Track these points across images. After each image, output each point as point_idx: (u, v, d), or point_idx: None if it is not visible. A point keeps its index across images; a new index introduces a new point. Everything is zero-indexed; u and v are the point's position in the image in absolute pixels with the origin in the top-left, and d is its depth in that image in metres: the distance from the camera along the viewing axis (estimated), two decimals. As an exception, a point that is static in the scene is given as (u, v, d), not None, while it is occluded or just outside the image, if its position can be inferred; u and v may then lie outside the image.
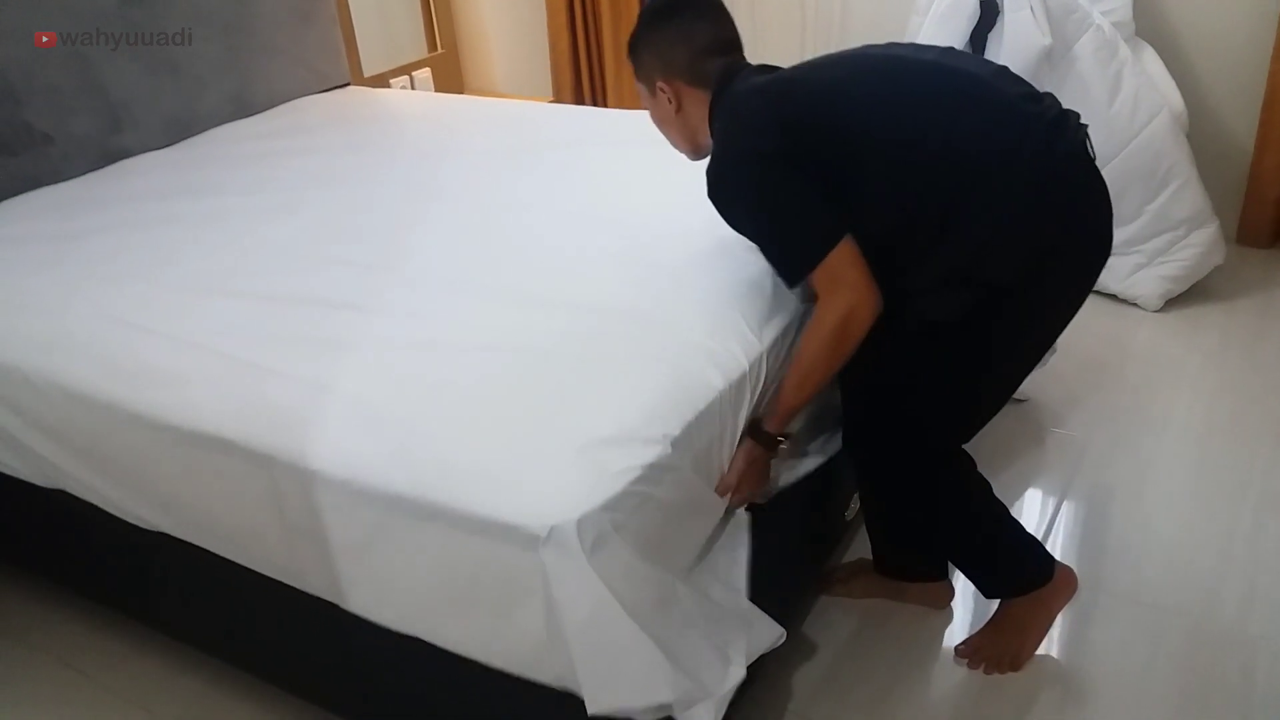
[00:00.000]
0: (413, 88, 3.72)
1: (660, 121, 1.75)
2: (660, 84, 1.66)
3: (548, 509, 1.24)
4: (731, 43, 1.67)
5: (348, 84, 3.42)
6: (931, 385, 1.60)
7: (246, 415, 1.49)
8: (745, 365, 1.51)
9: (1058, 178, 1.49)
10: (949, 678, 1.83)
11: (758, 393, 1.54)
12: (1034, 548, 1.78)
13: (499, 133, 2.79)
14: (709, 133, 1.66)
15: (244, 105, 3.08)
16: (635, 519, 1.28)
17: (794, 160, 1.48)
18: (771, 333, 1.60)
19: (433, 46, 3.89)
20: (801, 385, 1.53)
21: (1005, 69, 1.59)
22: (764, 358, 1.55)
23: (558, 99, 4.16)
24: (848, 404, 1.71)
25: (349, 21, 3.47)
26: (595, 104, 4.20)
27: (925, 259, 1.52)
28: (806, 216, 1.48)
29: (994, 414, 1.70)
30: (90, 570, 2.01)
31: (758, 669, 1.48)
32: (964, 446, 1.72)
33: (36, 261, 2.09)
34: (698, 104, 1.65)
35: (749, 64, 1.66)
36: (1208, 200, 2.84)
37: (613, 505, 1.25)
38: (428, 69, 3.80)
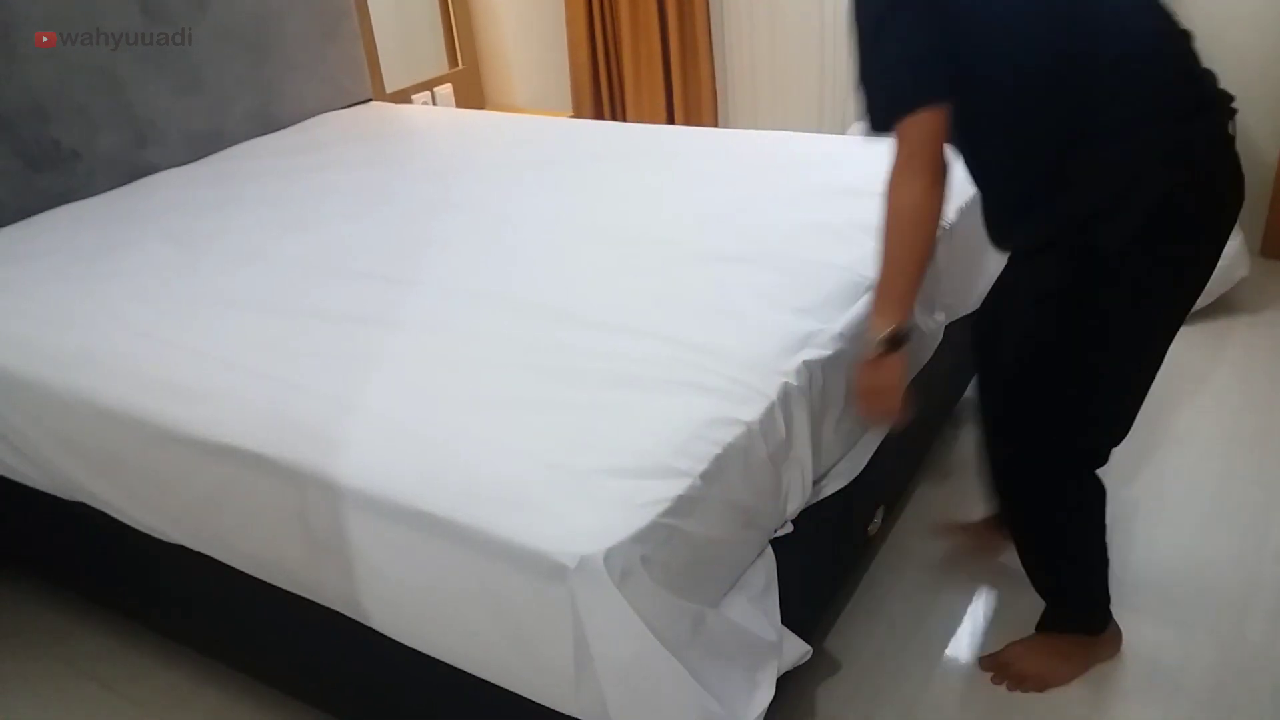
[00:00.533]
0: (434, 103, 3.75)
1: None
2: None
3: (577, 539, 1.23)
4: None
5: (370, 100, 3.45)
6: (1056, 369, 1.55)
7: (275, 430, 1.50)
8: (774, 398, 1.50)
9: (1211, 139, 1.45)
10: (975, 692, 1.81)
11: (792, 424, 1.53)
12: (1106, 597, 1.79)
13: (521, 148, 2.81)
14: None
15: (268, 121, 3.11)
16: (664, 551, 1.28)
17: (933, 9, 1.39)
18: (803, 364, 1.58)
19: (454, 62, 3.91)
20: (888, 273, 1.51)
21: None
22: (793, 391, 1.54)
23: (577, 114, 4.17)
24: (985, 400, 1.74)
25: (371, 38, 3.50)
26: (615, 119, 4.22)
27: (1038, 202, 1.47)
28: (916, 63, 1.40)
29: (1133, 409, 1.63)
30: (112, 582, 2.02)
31: (783, 686, 1.47)
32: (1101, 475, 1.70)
33: (64, 276, 2.12)
34: None
35: None
36: (1231, 213, 2.82)
37: (642, 537, 1.24)
38: (449, 84, 3.82)
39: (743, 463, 1.42)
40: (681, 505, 1.30)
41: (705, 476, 1.34)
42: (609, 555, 1.21)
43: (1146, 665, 1.83)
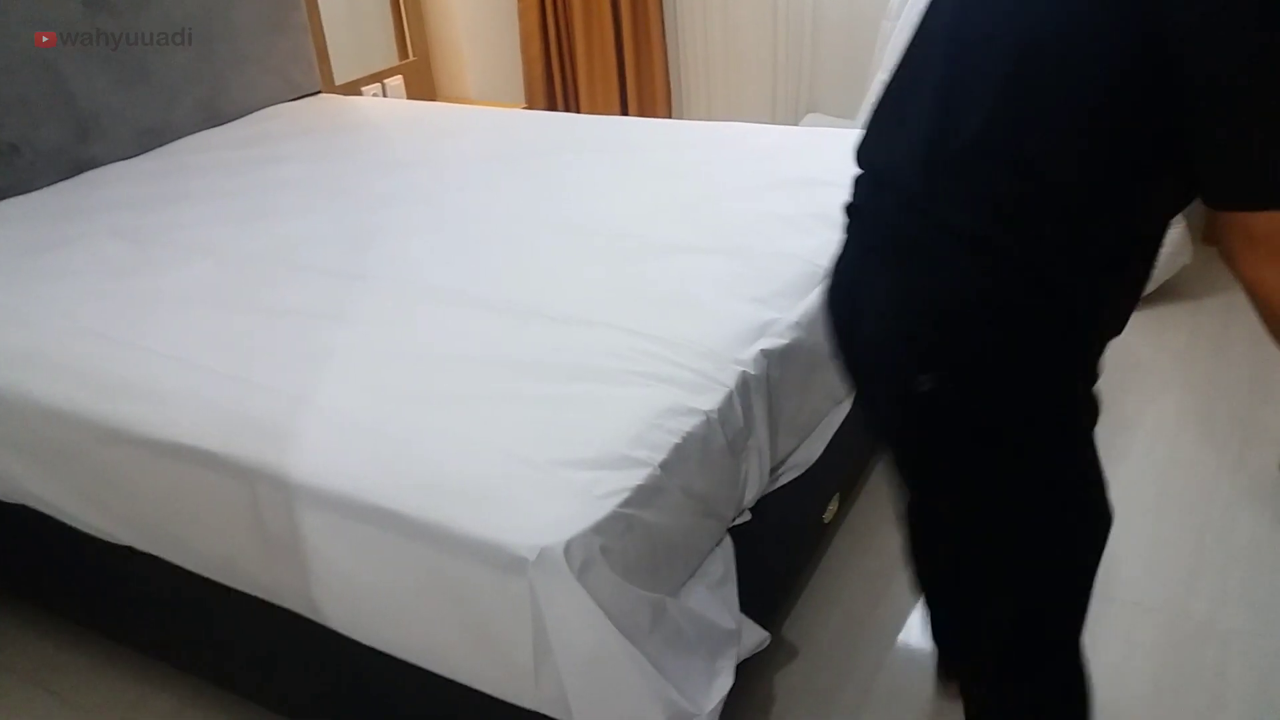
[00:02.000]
0: (385, 95, 3.71)
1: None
2: None
3: (536, 531, 1.23)
4: None
5: (319, 92, 3.40)
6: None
7: (229, 428, 1.47)
8: (732, 387, 1.50)
9: None
10: (929, 676, 1.84)
11: (750, 413, 1.54)
12: None
13: (474, 140, 2.79)
14: None
15: (215, 114, 3.06)
16: (623, 541, 1.28)
17: None
18: (760, 353, 1.59)
19: (404, 54, 3.87)
20: None
21: None
22: (751, 380, 1.55)
23: (530, 106, 4.16)
24: (934, 608, 1.58)
25: (320, 29, 3.45)
26: (568, 110, 4.21)
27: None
28: None
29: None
30: (57, 588, 1.98)
31: (742, 672, 1.48)
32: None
33: (8, 273, 2.07)
34: None
35: None
36: (1174, 202, 2.88)
37: (601, 528, 1.25)
38: (400, 76, 3.78)
39: (701, 452, 1.42)
40: (640, 495, 1.31)
41: (664, 466, 1.35)
42: (569, 546, 1.21)
43: (1094, 643, 1.87)
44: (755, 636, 1.55)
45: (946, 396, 1.15)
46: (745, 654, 1.51)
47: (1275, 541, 2.07)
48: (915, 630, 1.94)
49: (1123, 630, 1.89)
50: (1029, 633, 1.32)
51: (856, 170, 1.26)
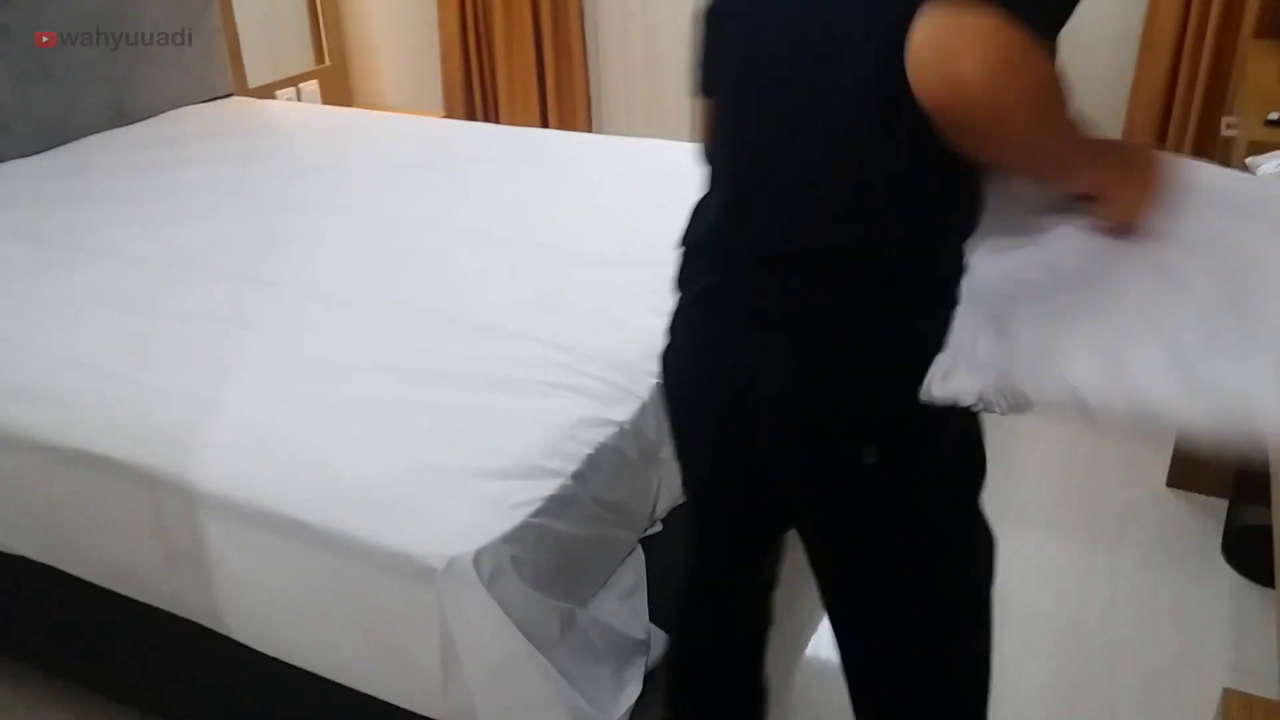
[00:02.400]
0: (299, 100, 3.65)
1: None
2: None
3: (445, 540, 1.23)
4: None
5: (231, 94, 3.34)
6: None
7: (130, 433, 1.45)
8: (645, 399, 1.52)
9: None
10: (839, 687, 1.87)
11: (662, 425, 1.55)
12: None
13: (390, 147, 2.77)
14: None
15: (123, 113, 2.98)
16: (535, 551, 1.29)
17: None
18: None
19: (320, 59, 3.82)
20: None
21: None
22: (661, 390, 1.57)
23: (449, 115, 4.13)
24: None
25: (234, 31, 3.39)
26: (487, 121, 4.19)
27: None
28: None
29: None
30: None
31: (651, 681, 1.50)
32: None
33: (-106, 274, 1.99)
34: None
35: None
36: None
37: (512, 538, 1.25)
38: (315, 81, 3.73)
39: (614, 463, 1.44)
40: (552, 505, 1.32)
41: (576, 476, 1.36)
42: (478, 556, 1.21)
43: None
44: (664, 645, 1.57)
45: (895, 461, 1.08)
46: (655, 663, 1.52)
47: (1161, 553, 2.16)
48: (824, 641, 1.98)
49: (1019, 637, 1.95)
50: (980, 670, 1.29)
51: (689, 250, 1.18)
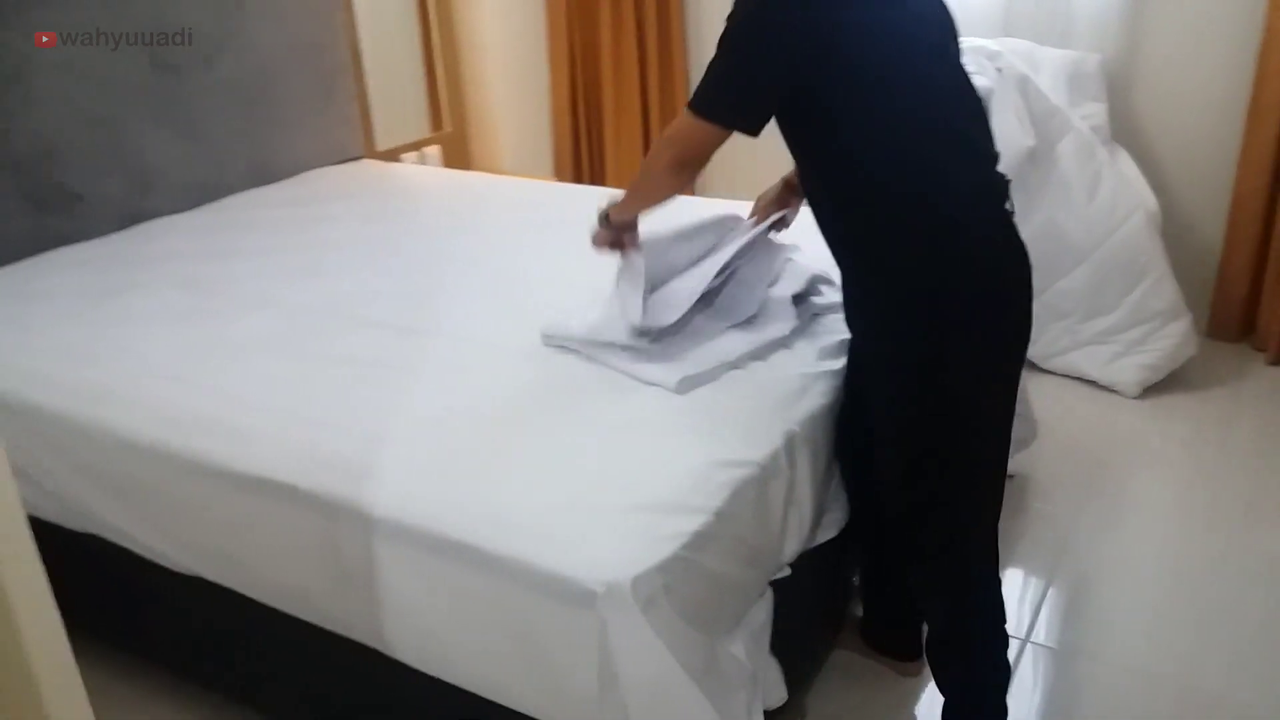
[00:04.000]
0: (422, 163, 3.85)
1: None
2: None
3: (604, 566, 1.31)
4: None
5: (361, 157, 3.55)
6: (923, 438, 1.60)
7: (305, 462, 1.56)
8: (779, 443, 1.61)
9: (1013, 235, 1.58)
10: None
11: (795, 468, 1.64)
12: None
13: (508, 208, 2.92)
14: None
15: (264, 173, 3.19)
16: (682, 583, 1.36)
17: (780, 61, 1.46)
18: (803, 411, 1.70)
19: (439, 125, 4.03)
20: (635, 199, 1.77)
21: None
22: (796, 437, 1.65)
23: (558, 178, 4.31)
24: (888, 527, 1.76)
25: (365, 97, 3.61)
26: (594, 183, 4.36)
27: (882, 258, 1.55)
28: (738, 88, 1.51)
29: (1000, 477, 1.70)
30: (117, 616, 2.04)
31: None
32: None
33: (75, 316, 2.17)
34: None
35: None
36: (1180, 295, 3.02)
37: (664, 568, 1.33)
38: (437, 145, 3.94)
39: (752, 502, 1.51)
40: (699, 540, 1.39)
41: (719, 514, 1.44)
42: (635, 582, 1.29)
43: (1111, 712, 1.93)
44: (776, 693, 1.62)
45: None
46: (768, 706, 1.58)
47: (1283, 619, 2.15)
48: (929, 707, 2.00)
49: (1139, 699, 1.95)
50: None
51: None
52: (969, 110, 1.60)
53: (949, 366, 1.54)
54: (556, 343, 1.89)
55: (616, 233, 1.83)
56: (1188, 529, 2.47)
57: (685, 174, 1.61)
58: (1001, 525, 2.46)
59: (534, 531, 1.38)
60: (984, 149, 1.59)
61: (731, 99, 1.52)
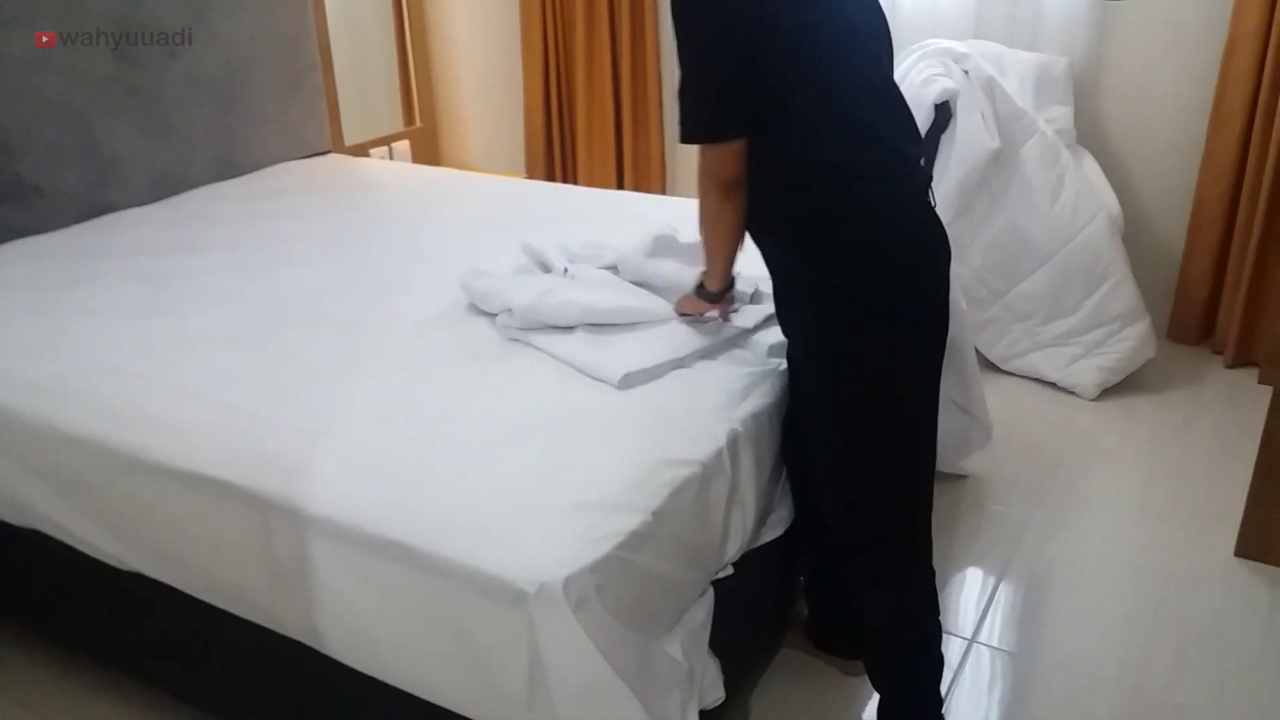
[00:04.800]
0: (391, 158, 3.85)
1: None
2: None
3: (536, 566, 1.32)
4: None
5: (329, 151, 3.54)
6: (843, 423, 1.61)
7: (245, 459, 1.56)
8: (722, 442, 1.61)
9: (931, 226, 1.62)
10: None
11: (738, 469, 1.64)
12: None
13: (476, 204, 2.91)
14: None
15: (229, 167, 3.18)
16: (616, 583, 1.37)
17: (735, 44, 1.48)
18: (747, 410, 1.71)
19: (411, 120, 4.03)
20: (709, 250, 1.74)
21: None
22: (740, 436, 1.65)
23: (530, 175, 4.31)
24: (819, 517, 1.78)
25: (334, 92, 3.60)
26: (565, 181, 4.36)
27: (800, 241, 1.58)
28: (720, 95, 1.52)
29: (928, 469, 1.71)
30: (58, 611, 2.03)
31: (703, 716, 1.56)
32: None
33: (28, 308, 2.16)
34: None
35: None
36: (1140, 298, 3.04)
37: (597, 568, 1.33)
38: (406, 141, 3.93)
39: (693, 502, 1.52)
40: (634, 540, 1.40)
41: (657, 514, 1.44)
42: (567, 583, 1.30)
43: (1056, 714, 1.95)
44: (714, 693, 1.63)
45: None
46: (707, 705, 1.59)
47: (1228, 622, 2.17)
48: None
49: (1084, 701, 1.97)
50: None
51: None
52: (886, 106, 1.62)
53: (865, 357, 1.57)
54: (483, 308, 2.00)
55: (716, 304, 1.85)
56: (1140, 530, 2.49)
57: (732, 194, 1.60)
58: (956, 525, 2.50)
59: (468, 531, 1.38)
60: (895, 144, 1.61)
61: (707, 112, 1.54)
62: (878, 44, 1.63)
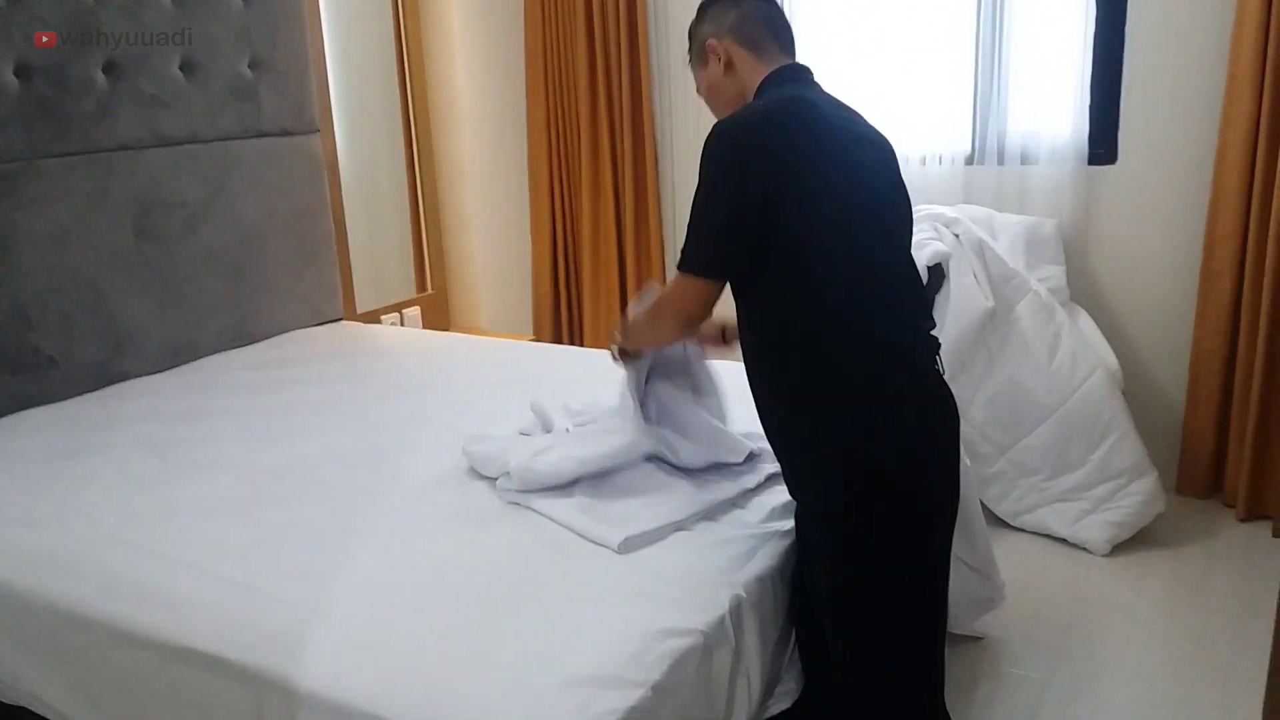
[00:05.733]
0: (402, 324, 3.93)
1: (709, 90, 1.80)
2: (710, 42, 1.75)
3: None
4: (784, 27, 1.77)
5: (340, 319, 3.62)
6: (858, 597, 1.62)
7: (239, 634, 1.54)
8: (725, 609, 1.59)
9: (941, 393, 1.65)
10: None
11: (742, 637, 1.61)
12: None
13: (484, 368, 2.96)
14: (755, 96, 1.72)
15: (242, 335, 3.25)
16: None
17: (753, 191, 1.54)
18: (750, 574, 1.69)
19: (422, 287, 4.13)
20: (641, 341, 1.92)
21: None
22: (744, 602, 1.63)
23: (537, 337, 4.39)
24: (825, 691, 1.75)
25: (347, 262, 3.71)
26: (572, 343, 4.44)
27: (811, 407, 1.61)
28: (720, 235, 1.60)
29: (939, 637, 1.71)
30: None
31: None
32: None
33: (33, 479, 2.17)
34: (748, 67, 1.73)
35: (807, 71, 1.75)
36: (1145, 452, 3.03)
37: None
38: (417, 307, 4.03)
39: (694, 674, 1.48)
40: (633, 717, 1.36)
41: (657, 688, 1.41)
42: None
43: None
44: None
45: None
46: None
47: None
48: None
49: None
50: None
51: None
52: (902, 275, 1.67)
53: (875, 519, 1.56)
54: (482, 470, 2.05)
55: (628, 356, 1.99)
56: (1165, 693, 2.40)
57: (689, 328, 1.75)
58: (974, 690, 2.42)
59: (463, 711, 1.35)
60: (909, 312, 1.65)
61: (710, 251, 1.61)
62: (897, 217, 1.70)
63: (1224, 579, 2.89)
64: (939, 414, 1.62)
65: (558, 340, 4.43)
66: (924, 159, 3.57)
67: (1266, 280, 3.00)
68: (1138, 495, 2.99)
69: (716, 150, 1.58)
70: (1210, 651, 2.55)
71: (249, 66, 3.19)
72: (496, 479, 2.00)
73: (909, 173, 3.56)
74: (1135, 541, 3.04)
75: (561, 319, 4.45)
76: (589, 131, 4.14)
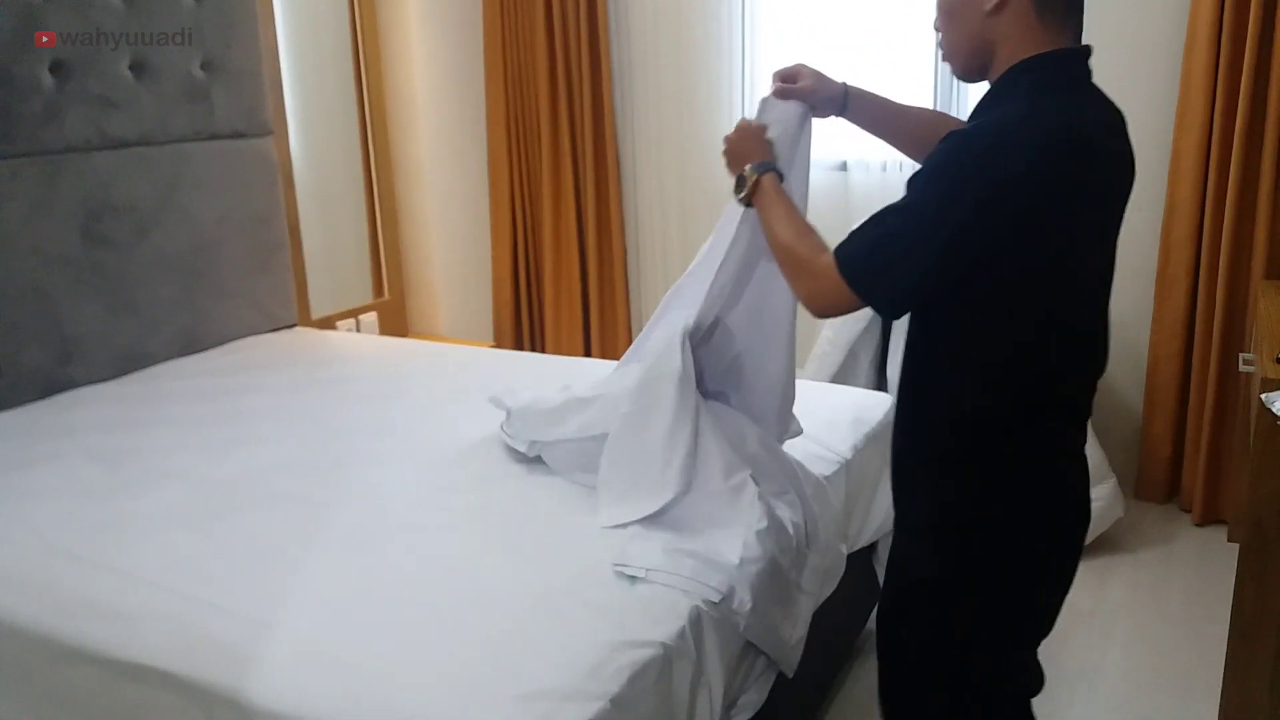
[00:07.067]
0: (359, 330, 3.87)
1: (955, 13, 1.41)
2: None
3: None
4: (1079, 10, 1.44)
5: (295, 325, 3.55)
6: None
7: (188, 648, 1.50)
8: (685, 621, 1.57)
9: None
10: None
11: (703, 648, 1.59)
12: None
13: (444, 375, 2.92)
14: (1005, 64, 1.39)
15: (194, 342, 3.18)
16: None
17: (986, 229, 1.28)
18: (713, 587, 1.65)
19: (379, 293, 4.08)
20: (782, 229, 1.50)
21: None
22: (704, 614, 1.61)
23: (498, 344, 4.35)
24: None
25: (302, 267, 3.65)
26: (534, 349, 4.40)
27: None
28: (911, 260, 1.32)
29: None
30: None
31: None
32: None
33: (-23, 492, 2.10)
34: (1025, 26, 1.37)
35: (1088, 71, 1.47)
36: (1105, 458, 3.05)
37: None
38: (374, 313, 3.97)
39: (654, 686, 1.46)
40: (592, 729, 1.33)
41: (615, 700, 1.38)
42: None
43: None
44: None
45: None
46: None
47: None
48: None
49: None
50: None
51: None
52: (1096, 352, 1.52)
53: (1002, 592, 1.49)
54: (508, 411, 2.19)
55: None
56: (1123, 700, 2.42)
57: (809, 308, 1.45)
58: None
59: (419, 722, 1.32)
60: (1087, 390, 1.51)
61: (893, 273, 1.34)
62: (1107, 294, 1.51)
63: (1181, 583, 2.92)
64: (1085, 508, 1.52)
65: (519, 347, 4.39)
66: (885, 165, 3.58)
67: (1220, 286, 3.03)
68: (1098, 501, 3.01)
69: (972, 165, 1.28)
70: (1168, 656, 2.57)
71: (201, 67, 3.12)
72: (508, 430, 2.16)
73: (869, 180, 3.62)
74: (1095, 546, 3.06)
75: (523, 325, 4.41)
76: (550, 131, 4.11)
